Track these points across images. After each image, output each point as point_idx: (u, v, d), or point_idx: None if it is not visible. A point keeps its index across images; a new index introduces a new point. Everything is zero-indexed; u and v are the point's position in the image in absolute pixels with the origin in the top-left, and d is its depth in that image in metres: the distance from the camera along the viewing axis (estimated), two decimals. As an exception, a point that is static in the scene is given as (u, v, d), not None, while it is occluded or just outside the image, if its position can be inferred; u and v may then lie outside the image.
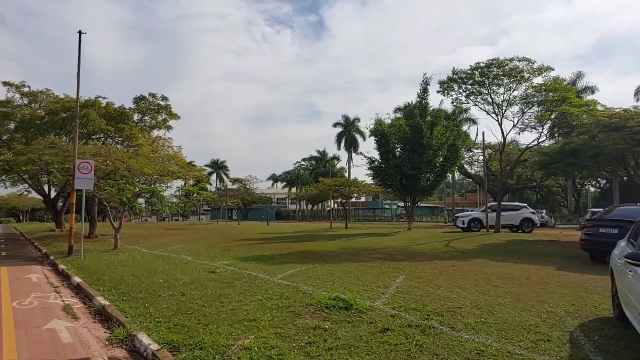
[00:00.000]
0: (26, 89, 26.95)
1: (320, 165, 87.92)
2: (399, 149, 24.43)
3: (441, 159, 23.62)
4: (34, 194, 35.56)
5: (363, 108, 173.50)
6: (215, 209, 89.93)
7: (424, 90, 23.81)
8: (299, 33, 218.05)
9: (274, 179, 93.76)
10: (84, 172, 12.92)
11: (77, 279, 9.19)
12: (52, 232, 27.34)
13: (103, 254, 14.20)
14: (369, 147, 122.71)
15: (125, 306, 6.67)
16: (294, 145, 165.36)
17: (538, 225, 23.46)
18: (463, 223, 22.44)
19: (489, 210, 21.82)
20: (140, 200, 17.90)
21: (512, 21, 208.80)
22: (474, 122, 37.03)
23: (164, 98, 27.11)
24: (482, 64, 18.87)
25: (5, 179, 26.29)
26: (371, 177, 26.12)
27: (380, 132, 24.11)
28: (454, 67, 20.43)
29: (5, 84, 26.37)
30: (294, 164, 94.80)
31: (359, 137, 79.63)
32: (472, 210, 25.10)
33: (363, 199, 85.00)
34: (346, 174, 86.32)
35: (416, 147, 22.73)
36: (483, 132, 26.07)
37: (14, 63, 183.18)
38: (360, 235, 21.65)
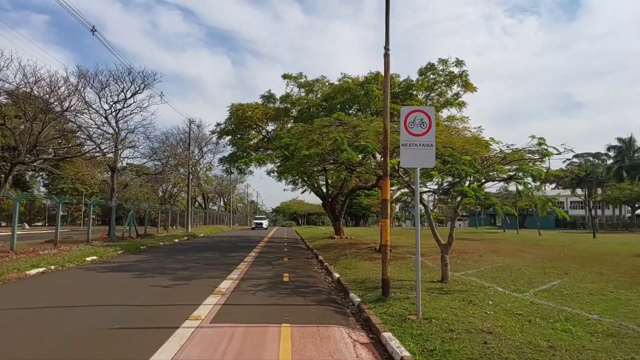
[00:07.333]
0: (302, 80, 24.41)
1: (626, 157, 65.77)
2: None
3: None
4: (309, 199, 34.26)
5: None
6: (474, 213, 78.41)
7: None
8: (547, 17, 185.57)
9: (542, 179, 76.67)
10: (416, 132, 6.23)
11: None
12: (332, 239, 23.75)
13: (439, 297, 7.36)
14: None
15: None
16: (553, 142, 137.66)
17: None
18: None
19: None
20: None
21: None
22: None
23: (459, 62, 19.78)
24: None
25: (287, 176, 24.21)
26: None
27: None
28: None
29: (285, 76, 24.43)
30: (563, 161, 75.35)
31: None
32: None
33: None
34: (672, 168, 61.87)
35: None
36: None
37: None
38: None
